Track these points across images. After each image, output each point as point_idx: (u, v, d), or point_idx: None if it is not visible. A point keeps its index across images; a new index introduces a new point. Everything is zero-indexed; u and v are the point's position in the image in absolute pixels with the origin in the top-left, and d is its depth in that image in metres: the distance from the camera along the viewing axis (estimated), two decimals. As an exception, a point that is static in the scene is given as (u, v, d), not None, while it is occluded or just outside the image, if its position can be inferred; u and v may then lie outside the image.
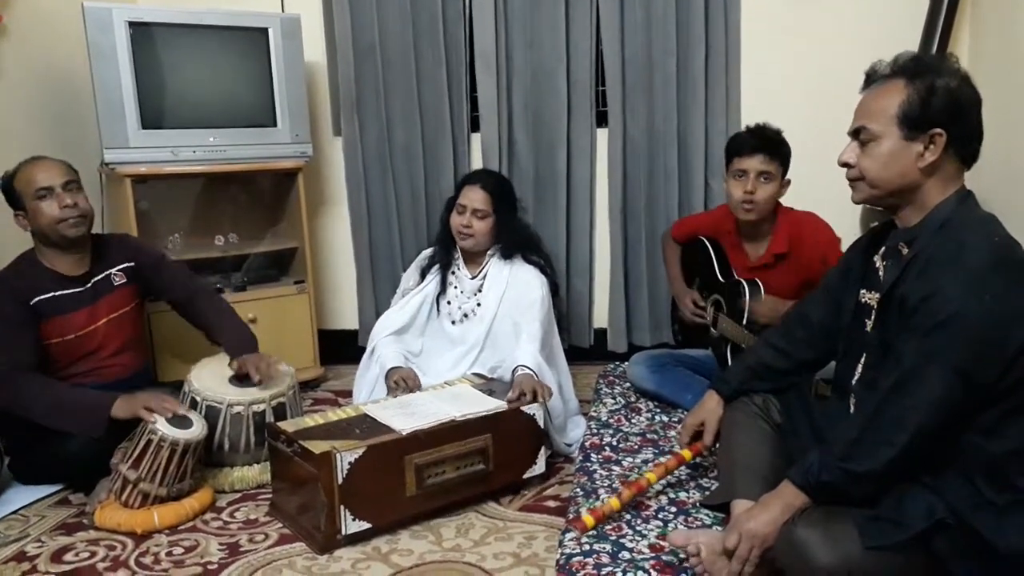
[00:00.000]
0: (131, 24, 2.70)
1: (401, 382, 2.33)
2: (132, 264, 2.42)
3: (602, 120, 3.23)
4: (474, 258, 2.57)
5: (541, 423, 2.18)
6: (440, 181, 3.29)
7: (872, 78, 1.55)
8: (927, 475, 1.43)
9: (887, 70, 1.52)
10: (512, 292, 2.48)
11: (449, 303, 2.57)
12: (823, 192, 2.52)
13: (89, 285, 2.32)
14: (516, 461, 2.16)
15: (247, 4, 3.15)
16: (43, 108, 2.87)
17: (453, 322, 2.57)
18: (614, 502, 1.91)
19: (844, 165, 1.56)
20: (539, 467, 2.20)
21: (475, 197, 2.47)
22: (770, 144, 2.42)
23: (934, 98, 1.43)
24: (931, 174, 1.48)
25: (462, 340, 2.53)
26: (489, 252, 2.55)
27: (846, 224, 2.75)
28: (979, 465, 1.41)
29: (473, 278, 2.55)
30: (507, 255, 2.53)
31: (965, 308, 1.34)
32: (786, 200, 2.53)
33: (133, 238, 2.61)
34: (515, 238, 2.54)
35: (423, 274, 2.61)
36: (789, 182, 2.48)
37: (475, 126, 3.29)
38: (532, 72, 3.21)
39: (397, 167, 3.33)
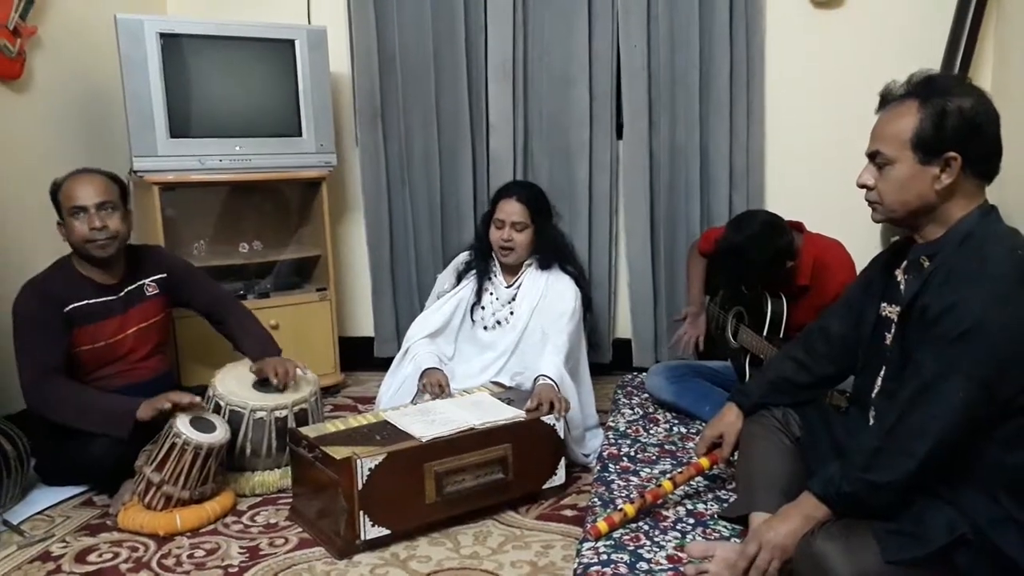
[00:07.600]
0: (162, 36, 2.75)
1: (433, 387, 2.35)
2: (164, 275, 2.46)
3: (623, 132, 3.22)
4: (511, 267, 2.59)
5: (561, 434, 2.19)
6: (458, 191, 3.31)
7: (887, 99, 1.54)
8: (948, 489, 1.43)
9: (901, 91, 1.52)
10: (545, 302, 2.50)
11: (483, 309, 2.59)
12: (846, 205, 2.50)
13: (122, 294, 2.35)
14: (536, 471, 2.16)
15: (275, 16, 3.21)
16: (75, 117, 2.93)
17: (485, 328, 2.59)
18: (628, 508, 1.92)
19: (862, 187, 1.57)
20: (559, 478, 2.20)
21: (512, 210, 2.49)
22: None
23: (947, 121, 1.42)
24: (949, 195, 1.47)
25: (493, 346, 2.55)
26: (527, 262, 2.57)
27: (869, 238, 2.73)
28: (1001, 480, 1.41)
29: (509, 286, 2.58)
30: (544, 265, 2.55)
31: (987, 319, 1.34)
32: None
33: (165, 249, 2.66)
34: (553, 247, 2.56)
35: (459, 278, 2.63)
36: None
37: (497, 136, 3.30)
38: (553, 83, 3.21)
39: (415, 177, 3.34)
